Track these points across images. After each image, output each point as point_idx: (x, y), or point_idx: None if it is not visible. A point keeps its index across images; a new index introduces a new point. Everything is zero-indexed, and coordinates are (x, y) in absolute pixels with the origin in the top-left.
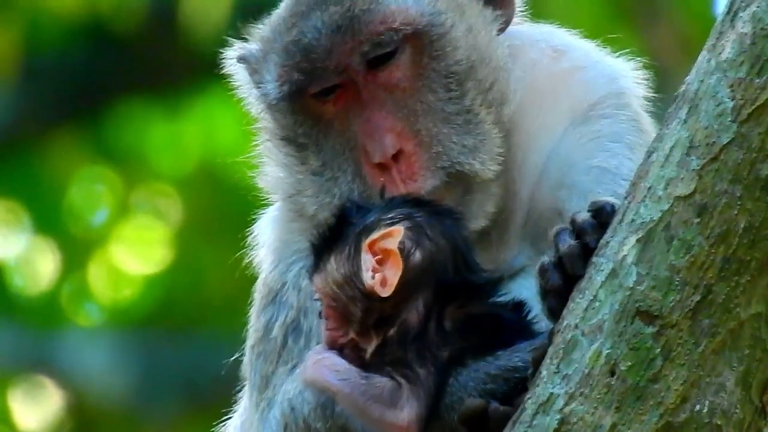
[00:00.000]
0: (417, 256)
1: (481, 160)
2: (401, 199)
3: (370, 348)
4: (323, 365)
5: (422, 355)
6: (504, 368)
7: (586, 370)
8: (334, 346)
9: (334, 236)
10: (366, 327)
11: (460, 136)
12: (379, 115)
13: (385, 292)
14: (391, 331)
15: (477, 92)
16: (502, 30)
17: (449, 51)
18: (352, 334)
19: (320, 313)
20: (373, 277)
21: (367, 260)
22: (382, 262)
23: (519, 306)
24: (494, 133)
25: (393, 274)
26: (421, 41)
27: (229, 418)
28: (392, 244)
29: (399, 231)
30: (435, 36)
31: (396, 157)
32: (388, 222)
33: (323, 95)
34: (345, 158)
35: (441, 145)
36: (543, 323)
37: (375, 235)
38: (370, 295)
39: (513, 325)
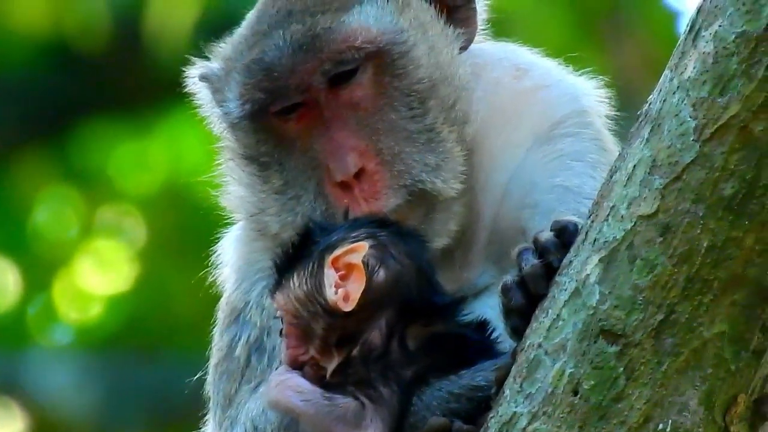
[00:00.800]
0: (381, 274)
1: (444, 179)
2: (365, 220)
3: (331, 367)
4: (286, 386)
5: (385, 375)
6: (467, 387)
7: (550, 389)
8: (294, 364)
9: (296, 255)
10: (327, 345)
11: (422, 154)
12: (342, 134)
13: (348, 307)
14: (354, 351)
15: (439, 110)
16: (464, 48)
17: (411, 69)
18: (312, 352)
19: (281, 332)
20: (336, 293)
21: (330, 275)
22: (345, 278)
23: (482, 325)
24: (457, 152)
25: (356, 289)
26: (383, 60)
27: None
28: (356, 258)
29: (363, 246)
30: (397, 54)
31: (358, 175)
32: (352, 239)
33: (285, 114)
34: (308, 177)
35: (403, 164)
36: (506, 342)
37: (339, 251)
38: (332, 312)
39: (476, 344)
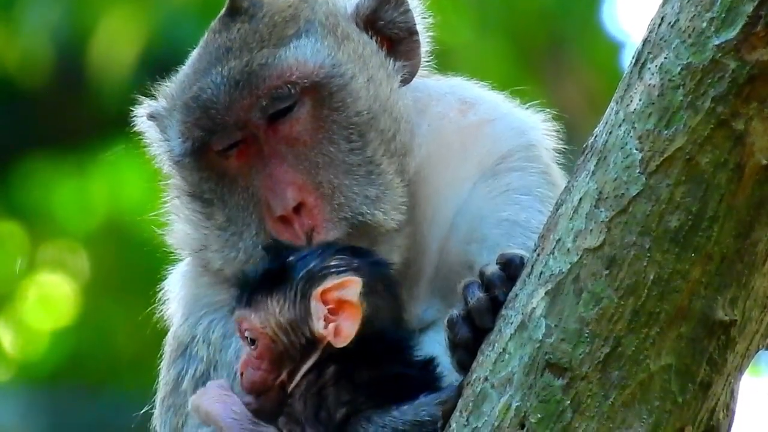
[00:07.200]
0: (371, 311)
1: (384, 210)
2: (335, 246)
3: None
4: (222, 401)
5: (317, 415)
6: (411, 423)
7: (496, 423)
8: (263, 387)
9: (270, 276)
10: (296, 373)
11: (362, 186)
12: (280, 169)
13: (340, 343)
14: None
15: (379, 143)
16: (407, 81)
17: (349, 102)
18: (284, 377)
19: (249, 345)
20: (326, 327)
21: (319, 309)
22: (335, 312)
23: (428, 362)
24: (397, 183)
25: (350, 326)
26: (320, 93)
27: None
28: (349, 295)
29: (356, 282)
30: (334, 88)
31: (298, 209)
32: (337, 270)
33: (226, 151)
34: (249, 213)
35: (343, 197)
36: (453, 376)
37: (328, 284)
38: (315, 342)
39: (420, 378)
